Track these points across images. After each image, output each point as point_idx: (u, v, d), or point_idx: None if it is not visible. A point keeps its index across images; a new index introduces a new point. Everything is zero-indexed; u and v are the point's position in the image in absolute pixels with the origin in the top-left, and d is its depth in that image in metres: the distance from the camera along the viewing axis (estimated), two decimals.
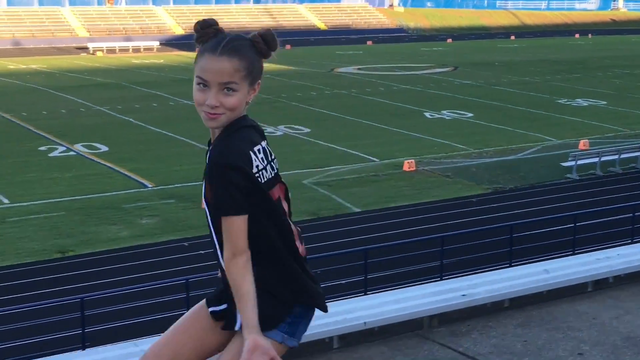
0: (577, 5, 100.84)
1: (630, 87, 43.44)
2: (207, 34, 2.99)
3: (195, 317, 3.29)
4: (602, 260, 5.52)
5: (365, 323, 4.72)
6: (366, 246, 15.74)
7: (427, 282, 6.15)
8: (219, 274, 3.24)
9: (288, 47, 68.65)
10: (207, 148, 3.11)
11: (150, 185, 24.21)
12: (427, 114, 35.75)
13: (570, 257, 5.81)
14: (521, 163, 26.23)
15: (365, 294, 9.39)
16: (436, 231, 18.06)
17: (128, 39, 67.41)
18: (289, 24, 78.33)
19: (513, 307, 5.11)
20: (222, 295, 3.22)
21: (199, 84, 2.95)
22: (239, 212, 2.94)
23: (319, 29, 79.37)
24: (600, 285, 5.45)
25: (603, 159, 25.07)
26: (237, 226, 2.95)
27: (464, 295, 4.97)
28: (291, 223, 3.20)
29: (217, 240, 3.08)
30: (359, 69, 53.59)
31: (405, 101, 39.53)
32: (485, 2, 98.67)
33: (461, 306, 5.06)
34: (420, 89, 43.86)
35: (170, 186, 24.02)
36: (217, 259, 3.15)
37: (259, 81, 3.06)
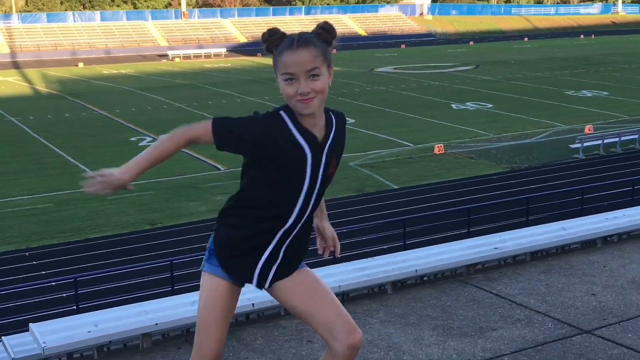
0: (582, 10, 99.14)
1: (628, 79, 42.77)
2: (275, 40, 2.77)
3: (226, 299, 2.95)
4: (610, 219, 5.62)
5: (416, 270, 4.89)
6: (404, 216, 16.00)
7: (464, 239, 6.36)
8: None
9: (334, 51, 68.55)
10: (301, 142, 2.78)
11: (222, 168, 24.56)
12: (453, 106, 35.54)
13: (583, 217, 5.93)
14: (535, 146, 26.07)
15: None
16: (463, 203, 18.18)
17: (200, 47, 67.78)
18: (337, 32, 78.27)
19: (536, 259, 5.27)
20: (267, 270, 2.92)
21: (286, 80, 2.73)
22: None
23: (360, 35, 79.02)
24: (609, 241, 5.59)
25: (605, 141, 24.97)
26: None
27: (495, 248, 5.14)
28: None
29: (317, 200, 2.90)
30: (394, 68, 53.33)
31: (434, 95, 39.34)
32: (502, 9, 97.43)
33: (493, 257, 5.22)
34: (447, 84, 43.53)
35: (239, 169, 24.19)
36: (300, 223, 2.89)
37: (332, 67, 2.83)
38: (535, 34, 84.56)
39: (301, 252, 2.96)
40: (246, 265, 2.90)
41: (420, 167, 24.15)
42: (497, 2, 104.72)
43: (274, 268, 2.90)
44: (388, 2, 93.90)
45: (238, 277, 2.93)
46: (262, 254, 2.88)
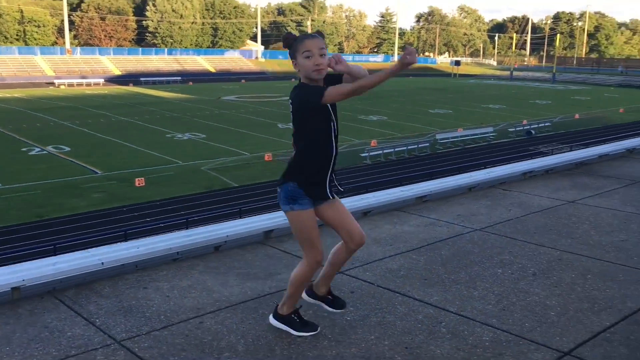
0: (371, 59, 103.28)
1: (401, 108, 45.22)
2: (292, 38, 3.15)
3: (314, 220, 3.29)
4: (370, 198, 6.00)
5: (227, 236, 4.99)
6: (242, 207, 16.29)
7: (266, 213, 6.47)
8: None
9: (190, 83, 67.19)
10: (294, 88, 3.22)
11: (99, 172, 23.54)
12: (279, 125, 36.05)
13: (352, 196, 6.19)
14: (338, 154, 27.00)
15: None
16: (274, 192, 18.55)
17: (83, 77, 63.95)
18: (191, 68, 76.40)
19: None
20: (325, 190, 3.28)
21: (306, 57, 3.08)
22: None
23: (210, 71, 77.83)
24: (367, 214, 5.89)
25: (385, 151, 26.33)
26: None
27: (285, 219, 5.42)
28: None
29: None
30: (237, 97, 53.14)
31: (265, 117, 39.68)
32: None
33: (284, 226, 5.40)
34: (275, 109, 44.02)
35: (113, 172, 23.46)
36: (335, 155, 3.31)
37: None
38: (337, 74, 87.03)
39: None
40: (321, 188, 3.25)
41: (254, 170, 24.37)
42: None
43: (333, 182, 3.31)
44: (232, 48, 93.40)
45: (318, 197, 3.27)
46: (328, 175, 3.27)
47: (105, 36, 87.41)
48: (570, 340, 3.47)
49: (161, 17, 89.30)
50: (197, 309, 3.82)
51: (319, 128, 3.23)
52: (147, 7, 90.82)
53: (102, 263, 4.16)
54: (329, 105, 3.16)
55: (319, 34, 3.19)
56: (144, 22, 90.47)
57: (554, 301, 4.00)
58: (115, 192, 20.81)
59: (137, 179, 21.87)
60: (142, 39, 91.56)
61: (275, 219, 5.21)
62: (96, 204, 19.13)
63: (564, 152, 9.54)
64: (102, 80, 63.75)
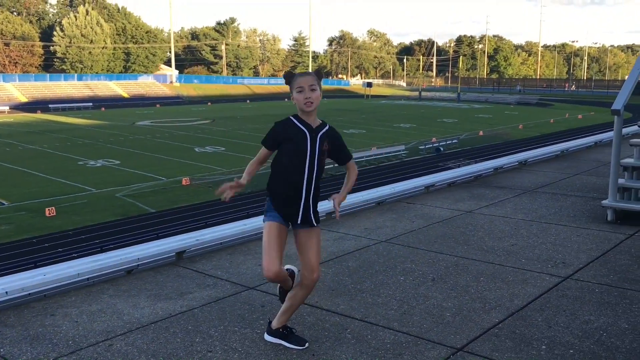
0: None
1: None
2: (289, 76, 3.48)
3: (279, 233, 3.44)
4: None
5: (138, 258, 4.94)
6: (159, 232, 15.93)
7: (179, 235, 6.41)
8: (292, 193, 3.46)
9: (103, 109, 65.13)
10: (302, 127, 3.43)
11: (6, 203, 22.38)
12: (196, 149, 35.70)
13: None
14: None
15: None
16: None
17: None
18: (103, 94, 74.25)
19: (226, 247, 5.56)
20: (296, 214, 3.48)
21: (299, 92, 3.40)
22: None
23: (124, 97, 75.94)
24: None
25: None
26: None
27: (197, 239, 5.35)
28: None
29: (319, 169, 3.48)
30: (151, 122, 52.12)
31: (181, 141, 39.19)
32: (230, 79, 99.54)
33: (197, 246, 5.43)
34: (191, 133, 43.57)
35: (21, 203, 22.38)
36: (310, 183, 3.46)
37: (321, 90, 3.51)
38: (254, 98, 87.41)
39: (317, 204, 3.58)
40: (291, 210, 3.47)
41: (172, 195, 23.97)
42: (227, 74, 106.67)
43: (309, 212, 3.49)
44: (145, 73, 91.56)
45: (288, 217, 3.50)
46: (300, 202, 3.46)
47: (9, 62, 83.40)
48: (463, 337, 3.73)
49: (70, 42, 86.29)
50: (107, 332, 3.79)
51: (286, 160, 3.47)
52: (55, 32, 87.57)
53: (6, 292, 4.04)
54: (307, 137, 3.43)
55: (317, 72, 3.54)
56: (51, 47, 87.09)
57: (450, 303, 4.28)
58: (24, 224, 19.85)
59: (47, 209, 20.97)
60: (50, 65, 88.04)
61: (186, 239, 5.24)
62: (3, 237, 18.16)
63: (465, 166, 10.11)
64: (7, 108, 60.70)
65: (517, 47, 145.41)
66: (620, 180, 6.61)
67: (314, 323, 3.95)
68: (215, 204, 21.69)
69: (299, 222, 3.49)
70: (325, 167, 3.57)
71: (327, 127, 3.51)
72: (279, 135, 3.44)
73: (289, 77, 3.49)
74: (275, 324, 3.68)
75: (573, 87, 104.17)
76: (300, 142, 3.40)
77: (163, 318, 3.99)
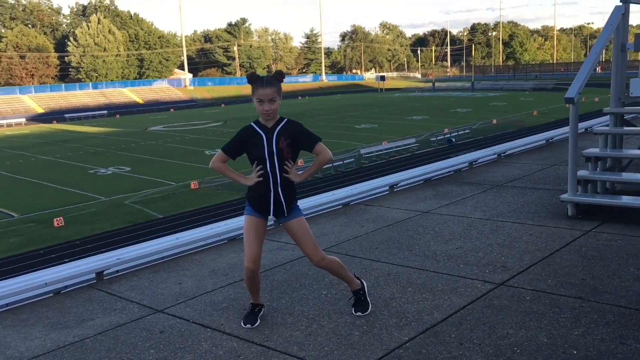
0: (300, 79, 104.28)
1: (328, 126, 45.44)
2: (254, 78, 3.67)
3: (254, 226, 3.79)
4: (221, 226, 5.80)
5: (45, 284, 4.72)
6: (164, 237, 15.75)
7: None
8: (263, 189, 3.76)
9: (117, 116, 65.69)
10: (259, 131, 3.72)
11: (16, 215, 22.52)
12: (206, 152, 35.60)
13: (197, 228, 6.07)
14: None
15: None
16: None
17: (3, 118, 61.51)
18: (118, 101, 74.88)
19: (161, 263, 5.26)
20: (268, 207, 3.77)
21: (258, 102, 3.66)
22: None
23: (138, 102, 76.50)
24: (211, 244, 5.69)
25: None
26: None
27: (118, 258, 5.14)
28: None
29: (281, 165, 3.72)
30: (164, 127, 52.26)
31: (192, 145, 39.13)
32: (244, 80, 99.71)
33: (117, 264, 5.16)
34: (202, 136, 43.54)
35: (31, 214, 22.49)
36: (276, 179, 3.73)
37: (281, 95, 3.72)
38: None
39: (290, 197, 3.80)
40: (261, 203, 3.77)
41: (180, 199, 23.85)
42: (241, 75, 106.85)
43: (281, 205, 3.77)
44: (159, 78, 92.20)
45: (258, 210, 3.80)
46: (270, 196, 3.73)
47: (26, 74, 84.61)
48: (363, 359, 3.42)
49: (84, 52, 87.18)
50: None
51: (251, 161, 3.79)
52: (68, 43, 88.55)
53: None
54: (263, 139, 3.71)
55: (279, 74, 3.74)
56: (66, 57, 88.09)
57: (363, 320, 3.95)
58: (33, 235, 19.91)
59: (55, 219, 21.03)
60: (66, 75, 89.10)
61: (107, 259, 4.99)
62: (12, 249, 18.23)
63: (444, 159, 9.70)
64: (23, 120, 61.58)
65: (533, 32, 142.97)
66: (583, 172, 6.19)
67: (207, 350, 3.66)
68: (223, 206, 21.55)
69: (271, 214, 3.78)
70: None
71: (283, 122, 3.72)
72: (239, 142, 3.78)
73: (252, 82, 3.66)
74: (351, 289, 4.14)
75: (599, 70, 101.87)
76: (258, 144, 3.68)
77: (50, 351, 3.74)
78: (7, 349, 3.80)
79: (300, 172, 3.85)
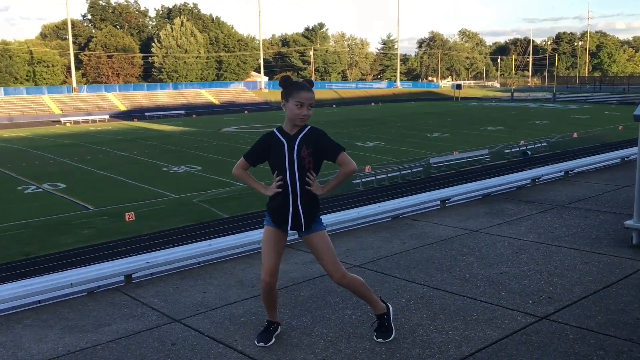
0: (375, 85, 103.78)
1: (399, 133, 44.87)
2: (289, 81, 3.57)
3: (273, 237, 3.63)
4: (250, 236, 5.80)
5: (71, 284, 4.66)
6: (198, 243, 15.90)
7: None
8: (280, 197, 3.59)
9: (194, 116, 67.75)
10: (281, 138, 3.56)
11: (91, 208, 23.39)
12: None
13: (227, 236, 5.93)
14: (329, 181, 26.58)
15: None
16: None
17: (88, 114, 64.65)
18: (195, 102, 77.08)
19: (184, 270, 5.23)
20: (285, 221, 3.58)
21: (298, 106, 3.48)
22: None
23: (215, 104, 78.43)
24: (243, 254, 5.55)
25: (378, 177, 25.70)
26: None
27: (147, 262, 5.07)
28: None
29: (302, 176, 3.52)
30: (236, 128, 53.11)
31: None
32: (319, 84, 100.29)
33: (144, 269, 5.07)
34: None
35: (105, 208, 23.31)
36: (295, 191, 3.53)
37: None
38: (340, 102, 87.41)
39: (311, 211, 3.57)
40: (279, 216, 3.57)
41: (246, 200, 24.07)
42: (316, 79, 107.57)
43: (299, 218, 3.54)
44: (236, 80, 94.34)
45: (277, 222, 3.60)
46: (289, 209, 3.52)
47: (112, 73, 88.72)
48: None
49: (166, 53, 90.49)
50: None
51: (272, 171, 3.62)
52: (153, 44, 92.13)
53: None
54: (285, 146, 3.52)
55: (308, 82, 3.57)
56: (149, 58, 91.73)
57: (384, 347, 3.67)
58: (105, 228, 20.61)
59: (127, 214, 21.72)
60: (149, 75, 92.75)
61: (136, 262, 4.93)
62: (84, 240, 18.95)
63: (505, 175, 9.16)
64: (107, 117, 64.47)
65: (623, 43, 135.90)
66: None
67: None
68: None
69: (289, 228, 3.57)
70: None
71: (306, 130, 3.52)
72: (261, 149, 3.65)
73: (287, 85, 3.48)
74: (375, 312, 3.85)
75: None
76: (279, 151, 3.49)
77: (60, 355, 3.68)
78: (20, 351, 3.78)
79: (322, 185, 3.59)
